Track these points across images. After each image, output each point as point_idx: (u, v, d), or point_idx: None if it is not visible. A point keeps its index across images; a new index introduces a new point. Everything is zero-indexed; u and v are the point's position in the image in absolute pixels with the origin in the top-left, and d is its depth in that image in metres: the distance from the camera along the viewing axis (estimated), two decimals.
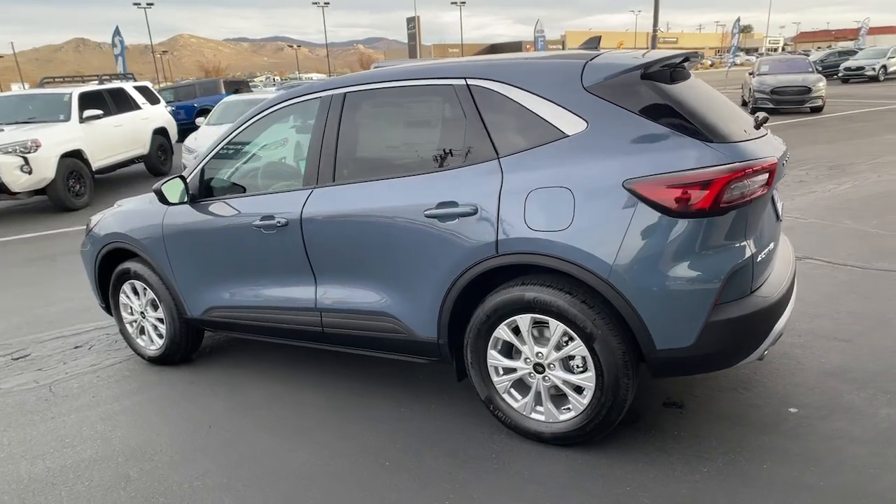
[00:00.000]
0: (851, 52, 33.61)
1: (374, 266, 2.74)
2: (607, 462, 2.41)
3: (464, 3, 65.94)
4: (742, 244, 2.20)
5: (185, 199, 3.24)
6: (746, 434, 2.52)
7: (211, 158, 3.31)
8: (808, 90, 15.12)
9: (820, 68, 19.71)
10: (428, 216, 2.51)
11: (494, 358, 2.56)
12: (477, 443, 2.62)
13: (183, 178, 3.25)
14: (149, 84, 12.65)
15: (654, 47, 24.30)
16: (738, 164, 2.09)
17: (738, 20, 32.70)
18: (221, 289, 3.33)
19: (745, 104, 17.39)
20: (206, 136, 9.86)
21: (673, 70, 2.40)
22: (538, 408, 2.53)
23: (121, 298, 3.85)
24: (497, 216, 2.35)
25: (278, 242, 2.99)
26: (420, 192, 2.55)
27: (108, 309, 4.03)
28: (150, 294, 3.66)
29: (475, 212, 2.40)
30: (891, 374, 2.89)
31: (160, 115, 11.98)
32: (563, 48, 42.44)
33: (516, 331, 2.48)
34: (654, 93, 2.25)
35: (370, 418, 2.92)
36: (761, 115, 2.60)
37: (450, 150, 2.56)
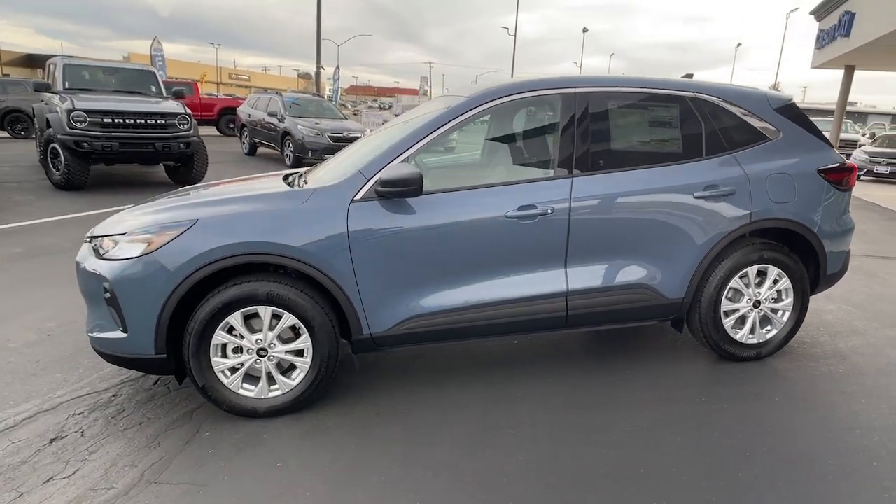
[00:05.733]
0: None
1: (636, 243, 3.15)
2: (803, 363, 3.56)
3: None
4: None
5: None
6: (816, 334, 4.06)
7: (416, 151, 2.95)
8: None
9: None
10: (697, 197, 3.16)
11: (726, 304, 3.37)
12: (724, 372, 3.38)
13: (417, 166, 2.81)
14: None
15: (317, 85, 25.57)
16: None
17: (338, 68, 37.07)
18: (432, 294, 2.97)
19: None
20: None
21: None
22: (750, 336, 3.47)
23: (216, 338, 2.80)
24: (750, 194, 3.23)
25: (536, 231, 3.00)
26: (685, 178, 3.17)
27: (161, 364, 2.82)
28: (290, 319, 2.85)
29: (734, 192, 3.21)
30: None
31: None
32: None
33: (745, 279, 3.37)
34: (803, 116, 3.54)
35: (618, 389, 3.26)
36: None
37: (692, 145, 3.27)
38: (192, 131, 9.27)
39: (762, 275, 3.41)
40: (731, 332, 3.43)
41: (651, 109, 3.35)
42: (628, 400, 3.10)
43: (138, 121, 8.66)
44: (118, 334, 2.79)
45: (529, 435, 2.77)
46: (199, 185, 3.72)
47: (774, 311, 3.48)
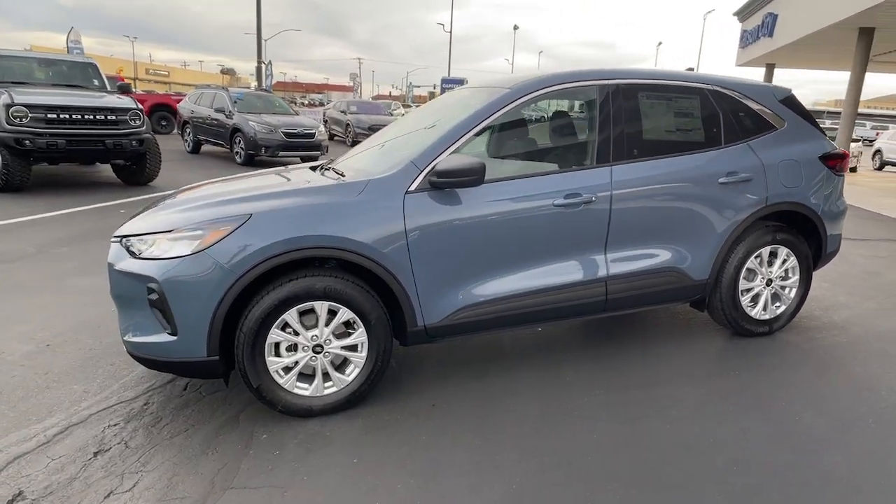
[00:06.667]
0: None
1: (668, 228, 3.30)
2: (810, 335, 3.84)
3: None
4: None
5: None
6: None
7: (466, 142, 2.96)
8: None
9: None
10: (721, 183, 3.35)
11: (743, 283, 3.59)
12: (742, 347, 3.60)
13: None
14: None
15: (259, 80, 24.60)
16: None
17: (270, 63, 35.93)
18: (482, 283, 2.99)
19: (332, 137, 20.12)
20: None
21: None
22: (763, 312, 3.71)
23: (270, 336, 2.72)
24: (765, 180, 3.45)
25: (581, 219, 3.08)
26: (710, 165, 3.35)
27: (212, 367, 2.70)
28: (346, 314, 2.81)
29: (751, 178, 3.42)
30: None
31: None
32: None
33: (760, 259, 3.60)
34: (801, 106, 3.81)
35: (657, 369, 3.41)
36: None
37: (711, 135, 3.45)
38: (144, 128, 8.77)
39: (773, 255, 3.65)
40: (748, 310, 3.66)
41: (675, 101, 3.51)
42: (671, 377, 3.24)
43: (86, 116, 8.10)
44: (164, 337, 2.65)
45: (591, 415, 2.86)
46: (192, 185, 3.57)
47: (783, 288, 3.74)
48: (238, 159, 12.55)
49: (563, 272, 3.13)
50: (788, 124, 3.66)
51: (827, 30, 12.20)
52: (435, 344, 3.32)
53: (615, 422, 2.79)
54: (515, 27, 52.31)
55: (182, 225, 2.66)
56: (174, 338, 2.62)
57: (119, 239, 2.84)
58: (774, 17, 14.98)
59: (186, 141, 14.46)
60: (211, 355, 2.64)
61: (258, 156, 12.27)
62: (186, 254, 2.57)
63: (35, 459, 2.49)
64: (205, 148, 14.70)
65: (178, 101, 18.45)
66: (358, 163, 3.38)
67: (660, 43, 72.65)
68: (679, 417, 2.83)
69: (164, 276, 2.56)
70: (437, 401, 3.00)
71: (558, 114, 3.51)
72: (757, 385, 3.16)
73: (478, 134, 3.00)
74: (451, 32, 37.78)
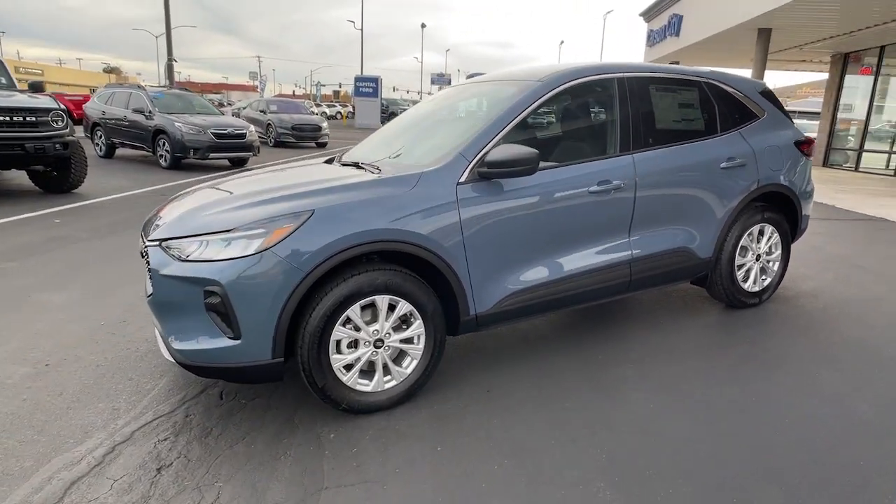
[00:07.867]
0: None
1: (681, 211, 3.55)
2: (791, 303, 4.24)
3: None
4: None
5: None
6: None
7: (507, 132, 3.03)
8: (319, 128, 18.52)
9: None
10: (722, 168, 3.66)
11: (738, 259, 3.93)
12: (738, 318, 3.93)
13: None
14: None
15: (170, 78, 22.95)
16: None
17: (175, 60, 33.83)
18: (525, 270, 3.09)
19: None
20: None
21: None
22: (753, 285, 4.08)
23: (335, 334, 2.68)
24: (756, 165, 3.81)
25: (611, 205, 3.26)
26: (713, 152, 3.65)
27: (276, 369, 2.62)
28: (405, 307, 2.82)
29: (745, 164, 3.76)
30: None
31: None
32: None
33: (751, 237, 3.96)
34: (775, 97, 4.21)
35: (671, 343, 3.66)
36: None
37: (710, 124, 3.76)
38: (67, 130, 8.06)
39: (761, 233, 4.03)
40: (742, 284, 4.01)
41: (679, 93, 3.78)
42: (688, 351, 3.50)
43: (2, 118, 7.33)
44: (224, 342, 2.53)
45: (634, 387, 3.03)
46: (194, 188, 3.43)
47: (769, 262, 4.14)
48: (163, 163, 11.81)
49: (595, 256, 3.30)
50: (768, 114, 4.05)
51: (729, 31, 13.35)
52: (463, 335, 3.37)
53: (658, 392, 2.98)
54: (423, 25, 52.60)
55: (243, 223, 2.55)
56: (237, 342, 2.51)
57: (158, 242, 2.67)
58: (680, 17, 16.16)
59: (98, 144, 13.38)
60: (276, 357, 2.56)
61: (186, 158, 11.62)
62: (249, 253, 2.47)
63: (95, 482, 2.31)
64: (119, 151, 13.68)
65: (77, 101, 17.08)
66: (386, 157, 3.36)
67: (562, 42, 75.74)
68: (714, 382, 3.08)
69: (228, 278, 2.44)
70: (493, 386, 3.06)
71: (580, 105, 3.66)
72: (767, 350, 3.49)
73: (517, 125, 3.09)
74: (362, 30, 37.36)
